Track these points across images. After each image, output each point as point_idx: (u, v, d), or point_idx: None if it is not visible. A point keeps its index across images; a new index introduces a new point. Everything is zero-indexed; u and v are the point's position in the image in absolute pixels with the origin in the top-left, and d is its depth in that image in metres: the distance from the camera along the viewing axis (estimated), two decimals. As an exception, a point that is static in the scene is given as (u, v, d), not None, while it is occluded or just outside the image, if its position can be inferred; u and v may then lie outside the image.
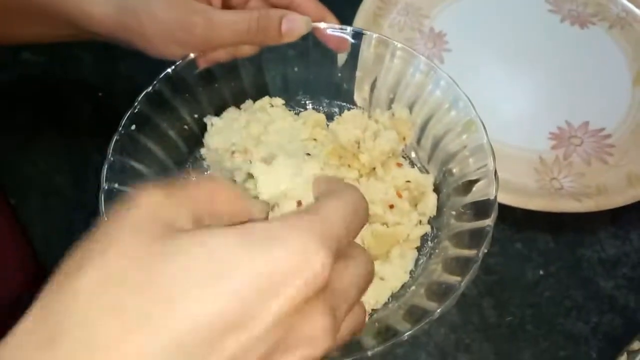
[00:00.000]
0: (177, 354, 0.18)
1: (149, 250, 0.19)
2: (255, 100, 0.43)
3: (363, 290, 0.24)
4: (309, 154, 0.41)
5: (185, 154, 0.41)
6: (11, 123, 0.50)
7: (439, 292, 0.33)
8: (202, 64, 0.40)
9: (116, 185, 0.35)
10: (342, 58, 0.42)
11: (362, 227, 0.24)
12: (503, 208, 0.42)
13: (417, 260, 0.39)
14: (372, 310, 0.36)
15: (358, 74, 0.43)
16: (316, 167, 0.35)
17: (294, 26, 0.38)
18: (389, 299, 0.37)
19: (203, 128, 0.42)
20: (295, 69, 0.44)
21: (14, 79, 0.53)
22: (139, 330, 0.18)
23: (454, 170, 0.38)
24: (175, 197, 0.21)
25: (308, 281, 0.19)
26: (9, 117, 0.50)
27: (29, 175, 0.47)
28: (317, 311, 0.20)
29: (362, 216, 0.24)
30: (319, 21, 0.40)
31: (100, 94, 0.51)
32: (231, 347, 0.18)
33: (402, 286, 0.37)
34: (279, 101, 0.44)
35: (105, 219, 0.21)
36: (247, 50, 0.41)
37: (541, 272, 0.43)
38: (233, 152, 0.40)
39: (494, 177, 0.35)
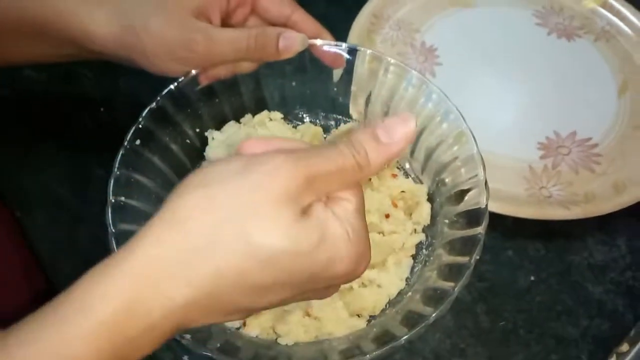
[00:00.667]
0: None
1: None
2: (254, 114, 0.45)
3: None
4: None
5: (187, 167, 0.43)
6: (14, 138, 0.51)
7: (434, 297, 0.34)
8: (204, 81, 0.42)
9: (122, 199, 0.36)
10: (337, 73, 0.44)
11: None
12: (494, 216, 0.43)
13: (412, 268, 0.40)
14: (370, 316, 0.38)
15: (353, 88, 0.45)
16: None
17: (290, 43, 0.39)
18: (386, 306, 0.38)
19: (204, 142, 0.44)
20: (293, 84, 0.45)
21: (16, 95, 0.54)
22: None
23: (447, 180, 0.40)
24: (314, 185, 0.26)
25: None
26: (11, 133, 0.51)
27: (32, 189, 0.48)
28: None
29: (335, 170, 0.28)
30: (315, 38, 0.42)
31: (101, 109, 0.52)
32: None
33: (399, 293, 0.39)
34: (277, 115, 0.45)
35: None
36: (247, 66, 0.42)
37: (532, 278, 0.44)
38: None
39: (484, 186, 0.36)
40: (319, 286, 0.28)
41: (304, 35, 0.41)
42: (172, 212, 0.25)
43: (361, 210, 0.29)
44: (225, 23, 0.42)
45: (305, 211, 0.26)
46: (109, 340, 0.23)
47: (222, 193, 0.25)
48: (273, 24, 0.42)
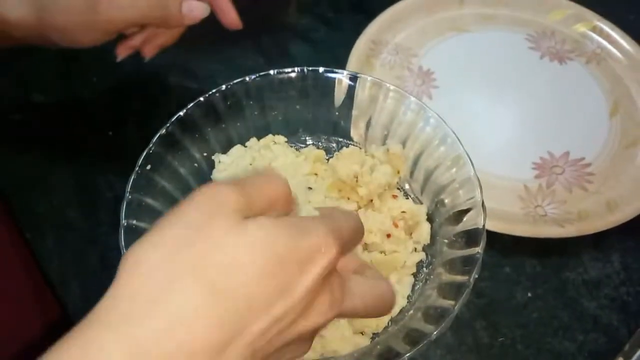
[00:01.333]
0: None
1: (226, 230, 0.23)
2: (259, 138, 0.47)
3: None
4: (310, 188, 0.44)
5: (195, 189, 0.44)
6: (25, 161, 0.53)
7: (435, 315, 0.35)
8: (122, 52, 0.46)
9: (134, 222, 0.37)
10: (339, 99, 0.46)
11: (360, 240, 0.30)
12: (491, 234, 0.45)
13: (413, 286, 0.41)
14: (373, 334, 0.39)
15: (354, 112, 0.46)
16: (320, 200, 0.38)
17: (193, 9, 0.42)
18: (388, 323, 0.40)
19: (211, 165, 0.45)
20: (297, 107, 0.47)
21: (26, 119, 0.56)
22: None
23: (446, 201, 0.41)
24: (248, 197, 0.25)
25: (330, 262, 0.25)
26: (21, 156, 0.53)
27: (43, 211, 0.50)
28: (327, 289, 0.25)
29: (360, 229, 0.29)
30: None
31: (110, 133, 0.54)
32: (278, 310, 0.23)
33: (401, 310, 0.40)
34: (281, 139, 0.47)
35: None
36: (166, 37, 0.46)
37: (529, 295, 0.45)
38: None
39: (481, 207, 0.38)
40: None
41: (207, 5, 0.43)
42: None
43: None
44: None
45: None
46: None
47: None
48: None
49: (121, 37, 0.47)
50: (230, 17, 0.46)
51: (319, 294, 0.25)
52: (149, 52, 0.47)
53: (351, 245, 0.28)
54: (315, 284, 0.24)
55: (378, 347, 0.36)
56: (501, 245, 0.47)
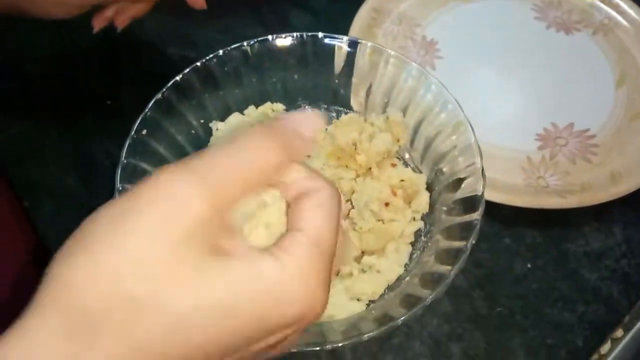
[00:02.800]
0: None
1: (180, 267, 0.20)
2: (257, 106, 0.46)
3: None
4: (309, 156, 0.43)
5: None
6: (22, 131, 0.52)
7: (432, 280, 0.35)
8: (98, 24, 0.47)
9: (129, 186, 0.37)
10: (339, 65, 0.45)
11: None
12: (492, 205, 0.44)
13: (411, 255, 0.41)
14: (370, 301, 0.39)
15: (354, 80, 0.46)
16: (318, 168, 0.38)
17: None
18: (385, 291, 0.39)
19: (209, 132, 0.45)
20: (295, 77, 0.46)
21: (22, 88, 0.55)
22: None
23: (445, 169, 0.41)
24: (221, 212, 0.21)
25: None
26: (19, 125, 0.53)
27: (41, 180, 0.49)
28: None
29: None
30: None
31: (108, 102, 0.53)
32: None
33: (398, 279, 0.40)
34: (280, 107, 0.46)
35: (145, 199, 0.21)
36: (139, 9, 0.47)
37: (529, 266, 0.45)
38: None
39: (481, 174, 0.37)
40: (270, 341, 0.22)
41: None
42: (56, 292, 0.20)
43: (317, 244, 0.22)
44: None
45: (219, 248, 0.20)
46: None
47: (104, 256, 0.20)
48: None
49: (96, 9, 0.48)
50: None
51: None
52: (121, 23, 0.48)
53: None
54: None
55: (374, 312, 0.36)
56: (502, 216, 0.46)
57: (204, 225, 0.20)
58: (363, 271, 0.39)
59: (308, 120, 0.25)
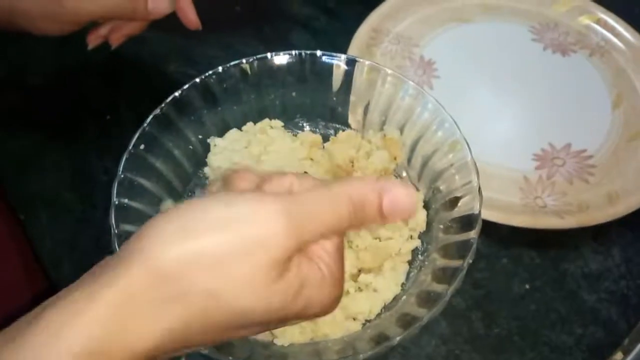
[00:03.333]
0: None
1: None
2: (255, 122, 0.46)
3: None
4: (306, 172, 0.43)
5: (189, 172, 0.44)
6: (20, 143, 0.52)
7: (428, 300, 0.35)
8: (92, 41, 0.48)
9: (126, 201, 0.37)
10: (337, 83, 0.45)
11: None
12: (490, 225, 0.44)
13: (408, 273, 0.41)
14: (366, 320, 0.38)
15: (352, 98, 0.46)
16: None
17: (158, 5, 0.44)
18: (381, 310, 0.39)
19: (207, 148, 0.45)
20: (294, 94, 0.46)
21: (22, 101, 0.55)
22: None
23: (442, 187, 0.41)
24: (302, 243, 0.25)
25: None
26: (18, 137, 0.53)
27: (37, 193, 0.49)
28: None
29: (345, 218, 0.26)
30: None
31: (107, 117, 0.54)
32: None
33: (394, 297, 0.39)
34: (278, 123, 0.46)
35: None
36: (133, 27, 0.47)
37: (527, 286, 0.45)
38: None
39: (477, 192, 0.37)
40: (288, 321, 0.27)
41: (172, 0, 0.45)
42: (144, 259, 0.22)
43: (341, 248, 0.27)
44: None
45: (285, 265, 0.24)
46: None
47: (202, 248, 0.23)
48: None
49: (91, 25, 0.48)
50: (190, 17, 0.47)
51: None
52: (115, 41, 0.49)
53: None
54: None
55: (369, 331, 0.36)
56: (499, 236, 0.46)
57: (286, 259, 0.24)
58: (360, 289, 0.39)
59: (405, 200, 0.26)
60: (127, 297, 0.22)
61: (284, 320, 0.26)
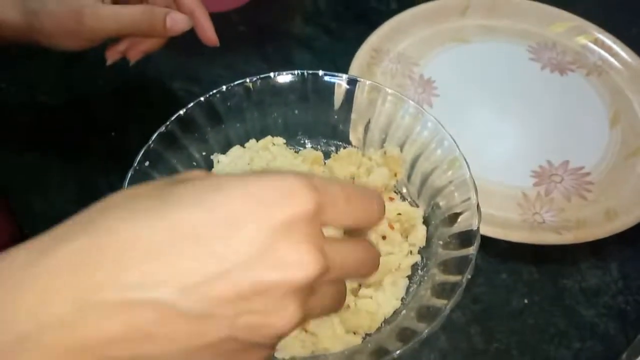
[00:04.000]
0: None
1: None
2: (258, 139, 0.47)
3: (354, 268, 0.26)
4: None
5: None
6: (26, 161, 0.53)
7: (428, 314, 0.35)
8: (111, 57, 0.48)
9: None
10: (338, 102, 0.46)
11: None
12: (489, 241, 0.45)
13: (408, 288, 0.41)
14: (366, 334, 0.39)
15: (353, 116, 0.47)
16: None
17: (176, 23, 0.44)
18: (381, 324, 0.39)
19: (210, 165, 0.46)
20: (296, 112, 0.47)
21: (29, 119, 0.56)
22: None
23: (441, 204, 0.41)
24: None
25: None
26: (24, 156, 0.54)
27: (42, 210, 0.50)
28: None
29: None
30: (191, 12, 0.47)
31: (113, 134, 0.55)
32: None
33: (394, 312, 0.40)
34: (280, 140, 0.47)
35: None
36: (152, 44, 0.48)
37: (525, 301, 0.45)
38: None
39: (476, 209, 0.38)
40: None
41: (188, 17, 0.45)
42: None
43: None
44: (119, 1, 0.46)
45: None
46: None
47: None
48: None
49: (110, 41, 0.49)
50: (208, 35, 0.48)
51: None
52: (133, 57, 0.49)
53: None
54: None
55: (369, 345, 0.36)
56: (498, 251, 0.47)
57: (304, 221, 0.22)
58: (360, 304, 0.40)
59: None
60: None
61: None
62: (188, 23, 0.45)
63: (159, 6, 0.45)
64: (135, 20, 0.43)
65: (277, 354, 0.36)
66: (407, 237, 0.43)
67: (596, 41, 0.61)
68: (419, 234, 0.42)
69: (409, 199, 0.45)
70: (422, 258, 0.42)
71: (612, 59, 0.60)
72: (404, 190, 0.46)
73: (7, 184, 0.52)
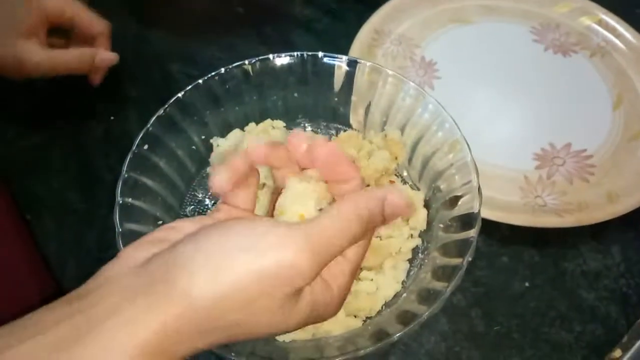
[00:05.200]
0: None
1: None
2: (257, 122, 0.47)
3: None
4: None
5: (192, 172, 0.44)
6: (25, 145, 0.53)
7: (428, 297, 0.35)
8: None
9: (129, 200, 0.38)
10: (338, 84, 0.46)
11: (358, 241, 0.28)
12: (490, 224, 0.45)
13: (408, 271, 0.41)
14: (367, 317, 0.39)
15: (353, 98, 0.46)
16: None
17: (104, 61, 0.52)
18: (382, 307, 0.39)
19: (209, 148, 0.45)
20: (295, 94, 0.47)
21: (30, 105, 0.56)
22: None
23: (442, 187, 0.41)
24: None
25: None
26: (22, 139, 0.53)
27: (42, 194, 0.50)
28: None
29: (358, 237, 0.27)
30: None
31: (111, 118, 0.54)
32: None
33: (395, 295, 0.40)
34: (280, 124, 0.47)
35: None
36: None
37: (527, 284, 0.45)
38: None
39: (477, 192, 0.37)
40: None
41: (116, 55, 0.53)
42: (178, 295, 0.24)
43: (355, 271, 0.29)
44: (51, 39, 0.52)
45: (300, 293, 0.26)
46: None
47: (231, 289, 0.24)
48: (85, 37, 0.53)
49: None
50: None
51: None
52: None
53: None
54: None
55: (370, 328, 0.36)
56: (499, 234, 0.47)
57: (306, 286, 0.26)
58: (360, 288, 0.39)
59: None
60: (163, 333, 0.23)
61: (289, 330, 0.27)
62: (115, 59, 0.52)
63: (85, 45, 0.52)
64: (68, 64, 0.50)
65: (278, 337, 0.36)
66: (407, 220, 0.42)
67: (600, 22, 0.60)
68: (420, 218, 0.42)
69: (410, 182, 0.45)
70: (422, 241, 0.42)
71: (616, 40, 0.59)
72: (405, 174, 0.45)
73: (6, 167, 0.51)
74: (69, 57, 0.50)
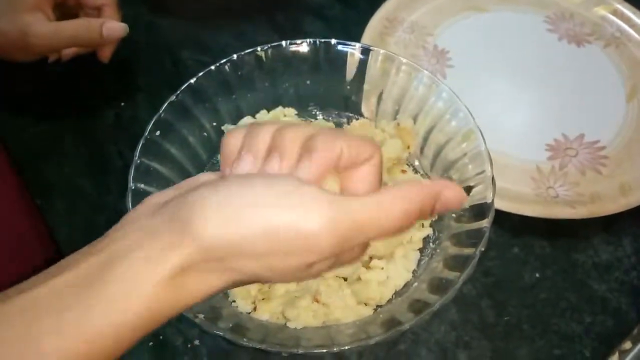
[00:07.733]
0: None
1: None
2: (269, 110, 0.46)
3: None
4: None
5: (204, 158, 0.44)
6: (38, 131, 0.53)
7: (440, 286, 0.35)
8: (52, 57, 0.53)
9: (142, 186, 0.38)
10: (350, 72, 0.46)
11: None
12: (501, 214, 0.44)
13: (419, 261, 0.41)
14: (377, 306, 0.39)
15: (366, 87, 0.46)
16: None
17: (112, 31, 0.50)
18: (392, 296, 0.39)
19: (221, 135, 0.45)
20: (308, 82, 0.47)
21: (39, 90, 0.56)
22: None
23: (454, 177, 0.41)
24: None
25: None
26: (33, 125, 0.54)
27: (53, 179, 0.50)
28: None
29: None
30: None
31: (122, 104, 0.54)
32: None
33: (405, 284, 0.40)
34: (291, 111, 0.47)
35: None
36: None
37: (537, 275, 0.45)
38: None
39: (491, 182, 0.37)
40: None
41: (125, 25, 0.50)
42: (193, 237, 0.24)
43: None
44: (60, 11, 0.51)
45: None
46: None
47: (244, 239, 0.23)
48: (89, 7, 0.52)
49: None
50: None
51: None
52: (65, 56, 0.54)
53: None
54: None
55: (381, 316, 0.36)
56: (511, 225, 0.46)
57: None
58: (371, 276, 0.39)
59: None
60: (180, 269, 0.23)
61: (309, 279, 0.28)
62: (123, 30, 0.50)
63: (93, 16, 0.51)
64: (75, 34, 0.48)
65: (289, 324, 0.36)
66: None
67: (615, 12, 0.60)
68: (432, 207, 0.42)
69: (422, 172, 0.45)
70: (433, 231, 0.42)
71: (630, 31, 0.59)
72: (417, 163, 0.45)
73: (17, 154, 0.51)
74: (76, 26, 0.49)
